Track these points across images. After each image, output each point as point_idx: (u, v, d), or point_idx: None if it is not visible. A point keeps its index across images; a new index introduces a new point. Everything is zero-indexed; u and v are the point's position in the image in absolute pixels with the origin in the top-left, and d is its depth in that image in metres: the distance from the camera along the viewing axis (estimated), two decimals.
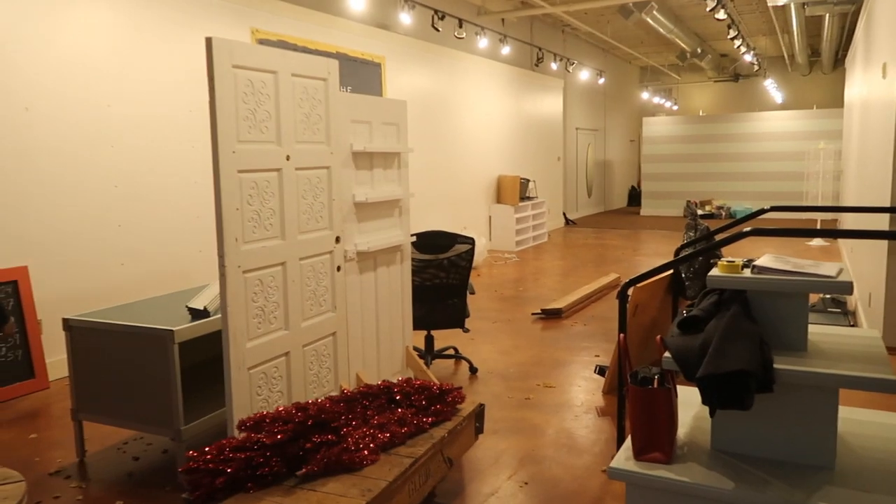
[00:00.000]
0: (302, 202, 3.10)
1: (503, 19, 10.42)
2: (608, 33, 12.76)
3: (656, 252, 9.77)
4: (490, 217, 10.25)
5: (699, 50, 14.45)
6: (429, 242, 4.23)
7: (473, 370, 4.43)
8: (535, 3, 9.83)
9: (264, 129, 2.86)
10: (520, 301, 6.61)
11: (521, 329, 5.55)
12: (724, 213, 14.32)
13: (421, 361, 3.95)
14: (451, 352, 4.69)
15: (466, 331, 4.40)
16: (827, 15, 10.47)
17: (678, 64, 18.06)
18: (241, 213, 2.75)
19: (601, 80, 13.69)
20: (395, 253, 3.87)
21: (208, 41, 2.59)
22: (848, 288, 2.15)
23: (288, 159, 2.99)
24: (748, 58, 11.64)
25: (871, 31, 5.91)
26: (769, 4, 9.47)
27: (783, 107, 17.19)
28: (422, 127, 8.47)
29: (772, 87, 15.60)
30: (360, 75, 7.31)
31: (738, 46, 10.35)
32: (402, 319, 3.95)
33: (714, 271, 2.42)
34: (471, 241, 4.19)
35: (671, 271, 4.32)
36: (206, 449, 2.32)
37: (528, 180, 10.79)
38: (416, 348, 4.50)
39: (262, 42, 6.01)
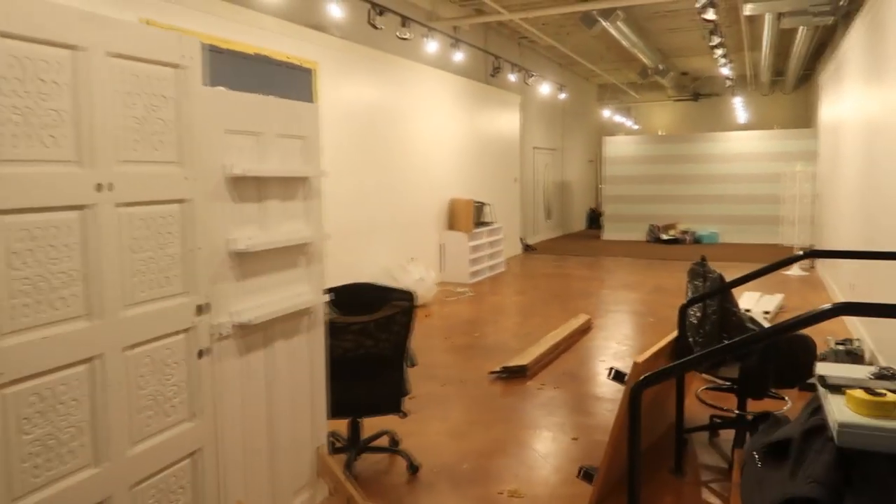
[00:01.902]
0: (132, 257, 1.96)
1: (455, 27, 9.44)
2: (568, 46, 11.92)
3: (625, 284, 8.83)
4: (442, 245, 9.19)
5: (661, 66, 13.76)
6: (352, 299, 3.12)
7: (413, 469, 3.30)
8: (490, 9, 8.87)
9: (49, 140, 1.71)
10: (475, 352, 5.52)
11: (477, 395, 4.46)
12: (688, 238, 13.58)
13: (338, 469, 2.82)
14: (385, 441, 3.56)
15: (404, 415, 3.28)
16: (802, 28, 9.81)
17: (637, 82, 17.44)
18: None
19: (562, 95, 12.86)
20: (301, 319, 2.74)
21: None
22: None
23: (101, 189, 1.85)
24: (725, 71, 10.89)
25: (884, 40, 5.13)
26: (743, 14, 8.72)
27: (745, 127, 16.67)
28: (362, 144, 7.37)
29: (737, 107, 15.04)
30: (287, 83, 6.18)
31: (718, 57, 9.58)
32: (310, 411, 2.81)
33: (843, 414, 1.36)
34: (408, 297, 3.09)
35: (674, 334, 3.30)
36: None
37: (483, 204, 9.78)
38: (334, 437, 3.35)
39: None
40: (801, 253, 3.09)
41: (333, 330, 3.00)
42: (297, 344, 2.72)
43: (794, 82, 15.55)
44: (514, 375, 4.76)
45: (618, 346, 5.71)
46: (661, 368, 1.97)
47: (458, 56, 8.71)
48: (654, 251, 12.42)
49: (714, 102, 17.90)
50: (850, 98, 7.09)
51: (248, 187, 2.43)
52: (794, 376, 3.23)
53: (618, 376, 3.64)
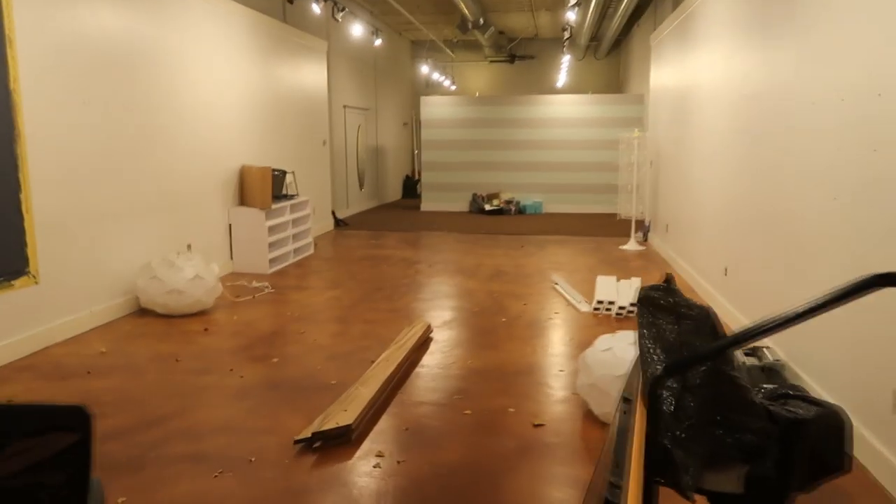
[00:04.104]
0: None
1: None
2: None
3: (459, 268, 7.46)
4: (230, 227, 7.15)
5: (482, 21, 12.54)
6: None
7: None
8: None
9: None
10: (272, 395, 3.76)
11: (273, 492, 2.73)
12: (513, 209, 12.66)
13: None
14: None
15: None
16: None
17: (453, 39, 16.19)
18: None
19: (377, 41, 11.13)
20: None
21: None
22: None
23: None
24: (571, 15, 9.79)
25: None
26: None
27: (560, 92, 16.13)
28: (105, 95, 5.12)
29: (554, 71, 14.34)
30: None
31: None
32: None
33: None
34: (77, 420, 1.27)
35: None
36: None
37: (284, 172, 7.85)
38: None
39: None
40: (870, 277, 1.69)
41: None
42: None
43: (608, 47, 15.21)
44: (333, 443, 3.09)
45: (473, 363, 4.25)
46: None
47: None
48: (479, 223, 11.27)
49: (530, 66, 17.22)
50: (708, 59, 6.19)
51: None
52: (819, 472, 1.91)
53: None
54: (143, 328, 5.05)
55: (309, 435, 3.05)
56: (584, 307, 5.62)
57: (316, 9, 8.76)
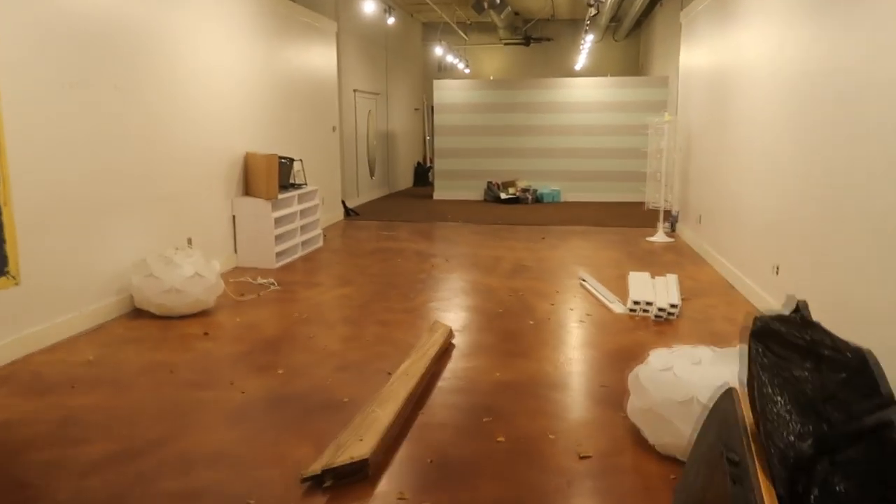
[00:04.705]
0: None
1: None
2: None
3: (477, 262, 6.99)
4: (234, 219, 6.69)
5: (498, 0, 11.97)
6: None
7: None
8: None
9: None
10: (276, 412, 3.31)
11: None
12: (530, 197, 12.14)
13: None
14: None
15: None
16: None
17: (466, 22, 15.62)
18: None
19: (390, 20, 10.60)
20: None
21: None
22: None
23: None
24: None
25: None
26: None
27: (578, 75, 15.54)
28: (92, 72, 4.66)
29: (572, 53, 13.77)
30: None
31: None
32: None
33: None
34: None
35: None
36: None
37: (291, 160, 7.38)
38: None
39: None
40: None
41: None
42: None
43: (629, 28, 14.61)
44: (347, 480, 2.64)
45: (502, 375, 3.79)
46: None
47: None
48: (496, 213, 10.78)
49: (546, 48, 16.62)
50: (756, 35, 5.65)
51: None
52: None
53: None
54: (137, 332, 4.61)
55: (318, 471, 2.60)
56: (619, 308, 5.13)
57: None
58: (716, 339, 4.32)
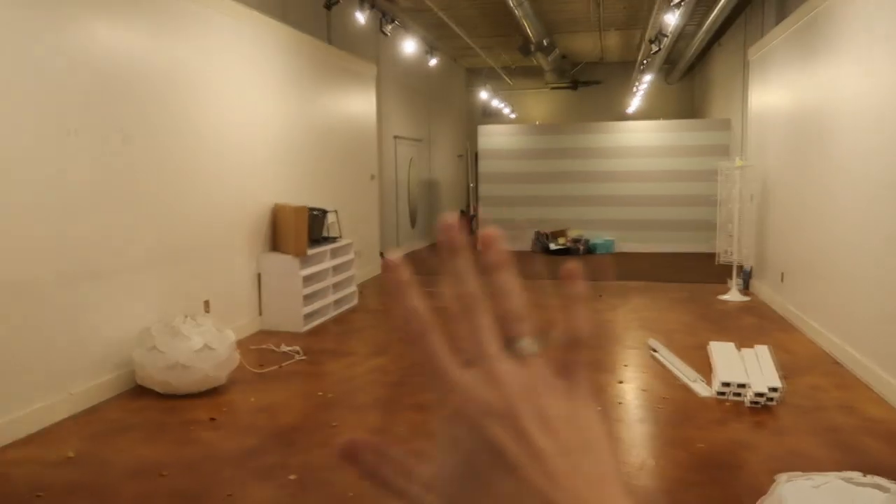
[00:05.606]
0: None
1: None
2: (437, 3, 9.16)
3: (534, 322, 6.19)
4: (259, 277, 6.08)
5: (545, 42, 11.43)
6: None
7: None
8: None
9: None
10: None
11: None
12: (581, 247, 11.33)
13: None
14: None
15: None
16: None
17: (511, 66, 15.13)
18: None
19: (433, 61, 10.11)
20: None
21: None
22: None
23: None
24: (670, 18, 8.02)
25: None
26: None
27: (630, 119, 14.82)
28: (98, 119, 4.14)
29: (639, 92, 13.11)
30: None
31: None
32: None
33: None
34: None
35: None
36: None
37: (324, 211, 6.79)
38: None
39: None
40: None
41: None
42: None
43: (683, 70, 13.89)
44: None
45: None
46: None
47: None
48: (546, 265, 9.99)
49: (594, 92, 15.99)
50: (850, 71, 4.87)
51: None
52: None
53: None
54: (134, 416, 3.96)
55: None
56: (703, 390, 4.27)
57: (360, 18, 7.76)
58: (841, 440, 3.44)
